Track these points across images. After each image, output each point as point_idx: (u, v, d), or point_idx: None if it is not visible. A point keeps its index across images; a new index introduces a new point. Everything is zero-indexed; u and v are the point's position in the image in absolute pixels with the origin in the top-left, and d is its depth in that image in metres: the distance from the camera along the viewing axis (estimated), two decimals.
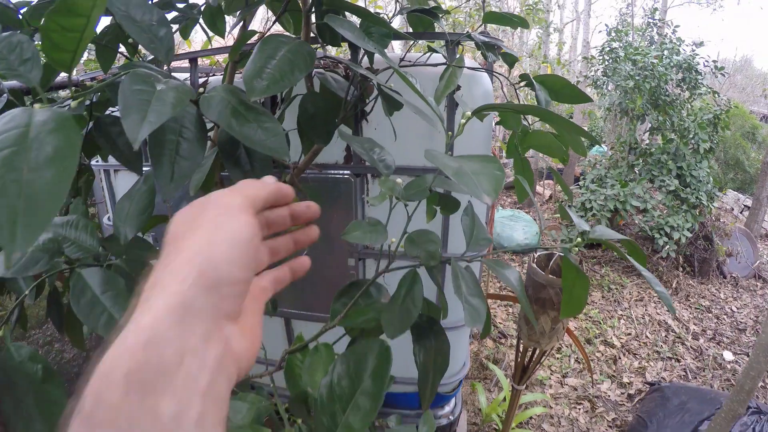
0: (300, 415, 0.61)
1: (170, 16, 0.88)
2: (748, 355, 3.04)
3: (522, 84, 0.84)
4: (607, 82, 4.61)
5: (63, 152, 0.26)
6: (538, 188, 6.51)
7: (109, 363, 0.21)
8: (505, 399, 2.18)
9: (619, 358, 2.95)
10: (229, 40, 1.00)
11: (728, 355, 3.03)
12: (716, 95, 4.21)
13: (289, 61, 0.52)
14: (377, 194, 0.52)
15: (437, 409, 1.50)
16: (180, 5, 0.86)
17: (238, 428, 0.53)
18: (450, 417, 1.51)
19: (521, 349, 1.45)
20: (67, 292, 0.60)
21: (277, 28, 0.90)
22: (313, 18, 0.68)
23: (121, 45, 0.83)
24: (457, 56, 0.85)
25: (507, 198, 6.46)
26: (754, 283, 4.13)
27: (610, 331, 3.26)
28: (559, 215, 4.91)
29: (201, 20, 0.89)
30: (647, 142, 4.87)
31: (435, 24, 0.87)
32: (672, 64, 4.08)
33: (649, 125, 4.44)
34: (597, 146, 6.04)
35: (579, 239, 0.55)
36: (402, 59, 0.98)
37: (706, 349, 3.08)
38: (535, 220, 4.83)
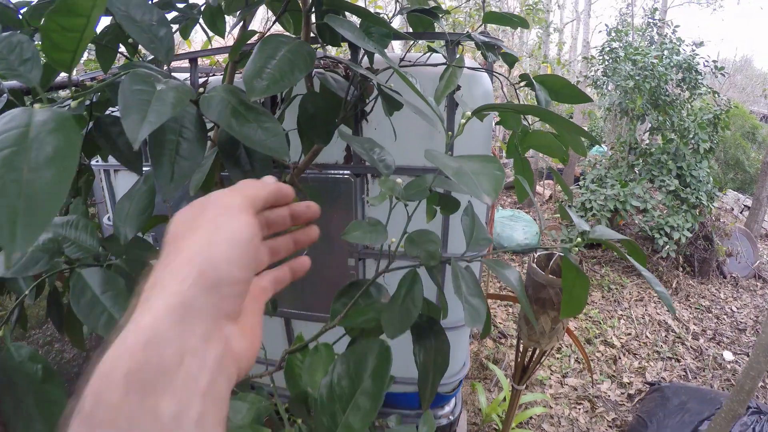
0: (300, 415, 0.61)
1: (170, 16, 0.88)
2: (748, 355, 3.04)
3: (522, 84, 0.84)
4: (607, 82, 4.61)
5: (63, 152, 0.26)
6: (538, 188, 6.51)
7: (109, 363, 0.21)
8: (505, 399, 2.18)
9: (619, 358, 2.95)
10: (230, 40, 1.00)
11: (728, 355, 3.03)
12: (716, 95, 4.21)
13: (289, 61, 0.51)
14: (377, 194, 0.52)
15: (437, 409, 1.50)
16: (180, 5, 0.86)
17: (238, 428, 0.53)
18: (450, 417, 1.51)
19: (521, 350, 1.45)
20: (67, 292, 0.60)
21: (277, 28, 0.90)
22: (313, 18, 0.68)
23: (121, 45, 0.83)
24: (457, 56, 0.85)
25: (507, 198, 6.46)
26: (754, 283, 4.13)
27: (610, 331, 3.26)
28: (558, 215, 4.91)
29: (201, 20, 0.89)
30: (647, 142, 4.87)
31: (435, 24, 0.87)
32: (672, 64, 4.08)
33: (649, 125, 4.44)
34: (597, 146, 6.04)
35: (579, 239, 0.55)
36: (402, 59, 0.98)
37: (706, 349, 3.08)
38: (535, 220, 4.83)
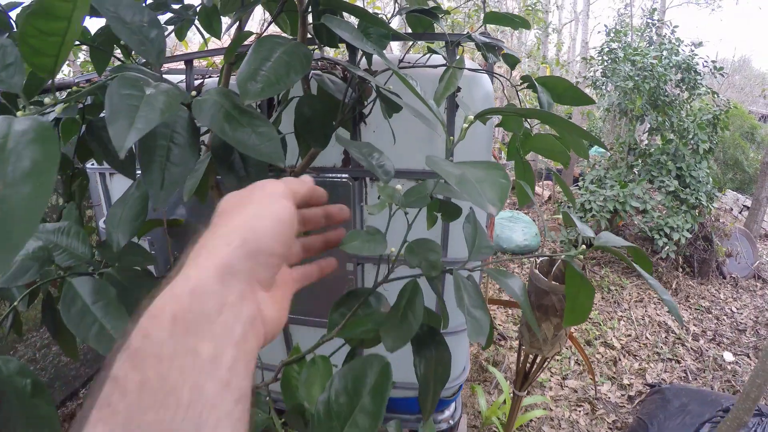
0: (297, 427, 0.59)
1: (166, 17, 0.86)
2: (748, 356, 3.03)
3: (523, 86, 0.83)
4: (606, 83, 4.60)
5: (41, 166, 0.25)
6: (537, 189, 6.50)
7: (158, 306, 0.24)
8: (505, 402, 2.16)
9: (619, 359, 2.94)
10: (226, 42, 0.98)
11: (728, 356, 3.02)
12: (715, 95, 4.21)
13: (284, 62, 0.50)
14: (376, 199, 0.51)
15: (437, 414, 1.49)
16: (175, 6, 0.84)
17: None
18: (450, 421, 1.49)
19: (523, 356, 1.44)
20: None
21: (274, 29, 0.88)
22: (309, 18, 0.67)
23: (116, 46, 0.81)
24: (457, 57, 0.83)
25: (507, 199, 6.45)
26: (753, 284, 4.12)
27: (610, 332, 3.24)
28: (558, 216, 4.91)
29: (197, 21, 0.88)
30: (646, 142, 4.87)
31: (434, 24, 0.85)
32: (671, 64, 4.08)
33: (649, 126, 4.44)
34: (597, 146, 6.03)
35: (584, 247, 0.53)
36: (401, 60, 0.97)
37: (707, 350, 3.07)
38: (534, 221, 4.82)
